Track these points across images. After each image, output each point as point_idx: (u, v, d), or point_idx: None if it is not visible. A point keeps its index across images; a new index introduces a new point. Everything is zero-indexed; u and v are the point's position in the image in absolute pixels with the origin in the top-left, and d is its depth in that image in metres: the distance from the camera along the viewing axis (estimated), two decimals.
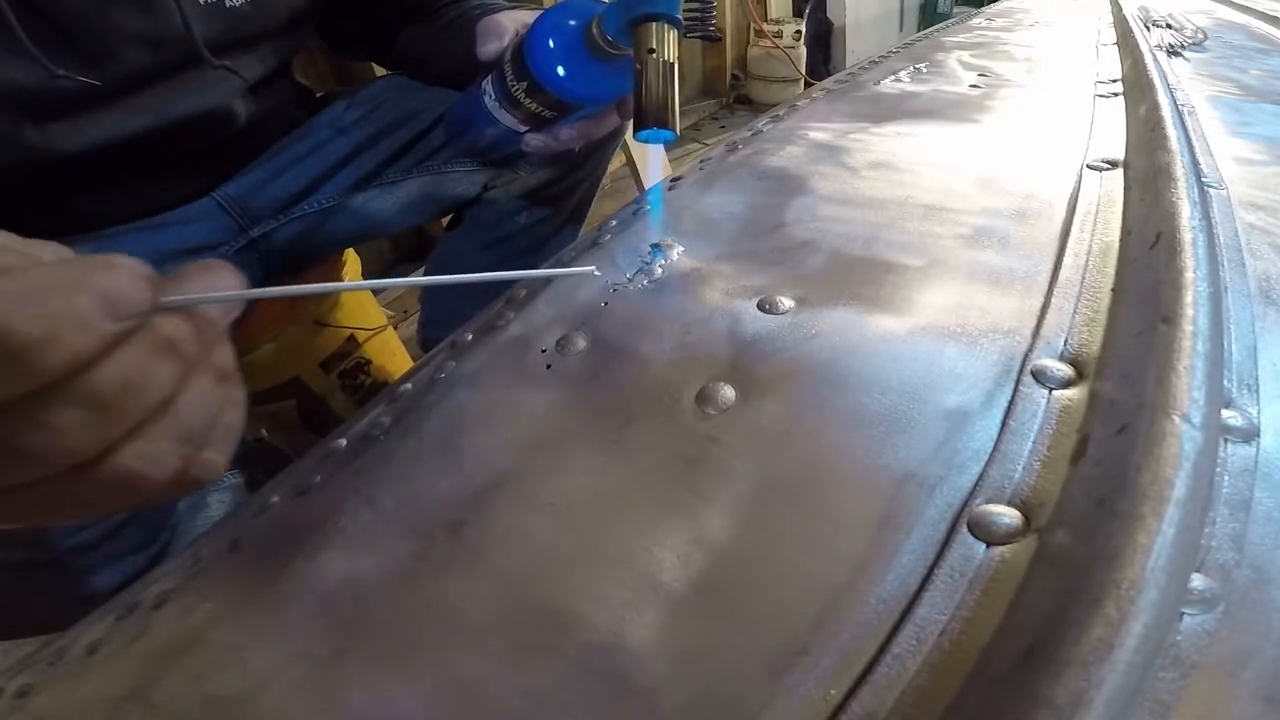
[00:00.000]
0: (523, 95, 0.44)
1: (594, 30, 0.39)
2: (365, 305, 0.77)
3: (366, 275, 0.80)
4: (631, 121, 0.37)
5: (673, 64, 0.36)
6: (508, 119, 0.46)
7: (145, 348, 0.16)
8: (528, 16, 0.45)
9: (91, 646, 0.24)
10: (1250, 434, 0.22)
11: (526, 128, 0.47)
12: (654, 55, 0.35)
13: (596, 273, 0.34)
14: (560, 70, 0.41)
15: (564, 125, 0.47)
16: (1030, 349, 0.27)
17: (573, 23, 0.40)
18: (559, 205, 0.67)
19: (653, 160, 0.43)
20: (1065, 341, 0.27)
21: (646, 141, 0.36)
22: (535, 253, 0.67)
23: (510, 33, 0.47)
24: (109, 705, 0.21)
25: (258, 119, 0.52)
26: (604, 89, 0.42)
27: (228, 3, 0.44)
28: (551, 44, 0.41)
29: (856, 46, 2.76)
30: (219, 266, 0.19)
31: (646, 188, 0.43)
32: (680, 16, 0.36)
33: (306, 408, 0.72)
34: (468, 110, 0.49)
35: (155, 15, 0.41)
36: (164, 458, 0.17)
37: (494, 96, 0.46)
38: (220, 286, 0.18)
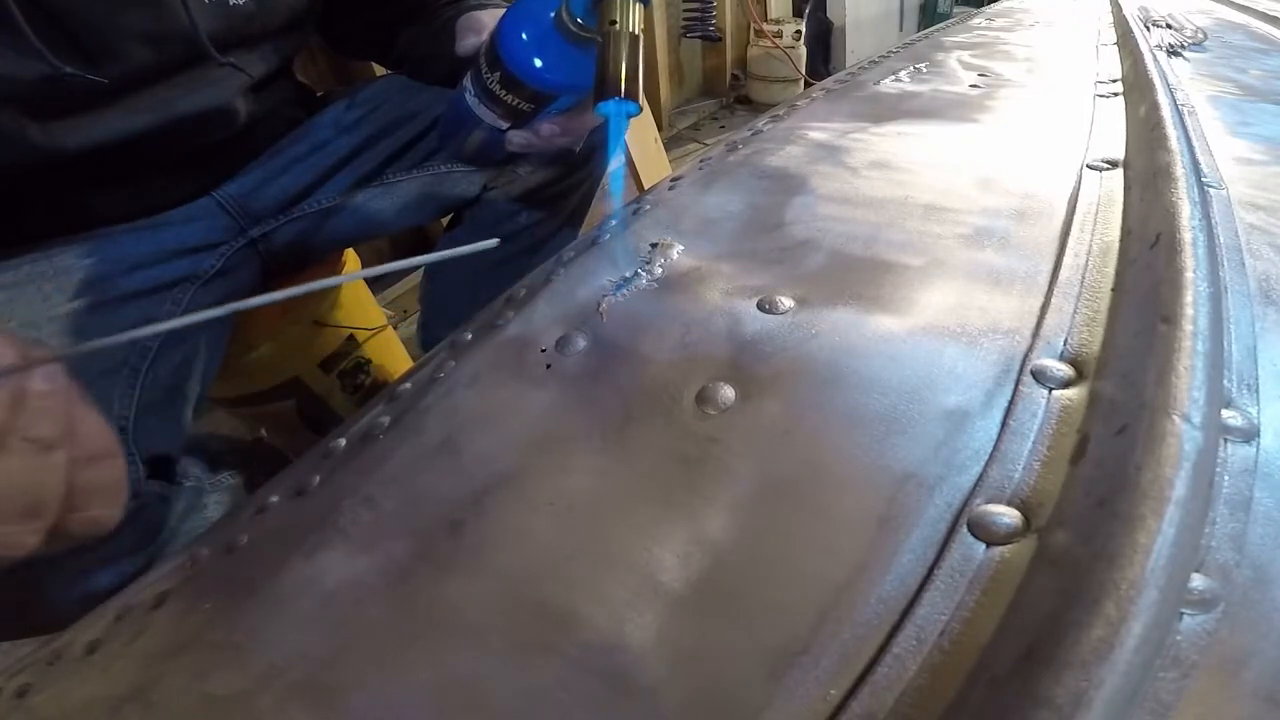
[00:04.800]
0: (498, 88, 0.43)
1: (564, 14, 0.38)
2: (365, 305, 0.77)
3: None
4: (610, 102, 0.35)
5: (637, 36, 0.35)
6: (489, 115, 0.45)
7: None
8: None
9: (91, 646, 0.24)
10: (1250, 434, 0.22)
11: (508, 124, 0.46)
12: (615, 26, 0.34)
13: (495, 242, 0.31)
14: (533, 58, 0.40)
15: (544, 120, 0.46)
16: (1030, 349, 0.27)
17: (544, 9, 0.39)
18: (558, 206, 0.67)
19: (613, 147, 0.40)
20: (1065, 341, 0.27)
21: (608, 115, 0.35)
22: (535, 253, 0.67)
23: (488, 27, 0.46)
24: (109, 705, 0.21)
25: (258, 118, 0.52)
26: (579, 76, 0.39)
27: (230, 1, 0.44)
28: (525, 30, 0.40)
29: (856, 46, 2.75)
30: None
31: (610, 212, 0.42)
32: None
33: (306, 408, 0.72)
34: (455, 112, 0.49)
35: (160, 12, 0.41)
36: (6, 538, 0.19)
37: (473, 92, 0.45)
38: None
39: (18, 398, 0.19)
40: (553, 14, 0.39)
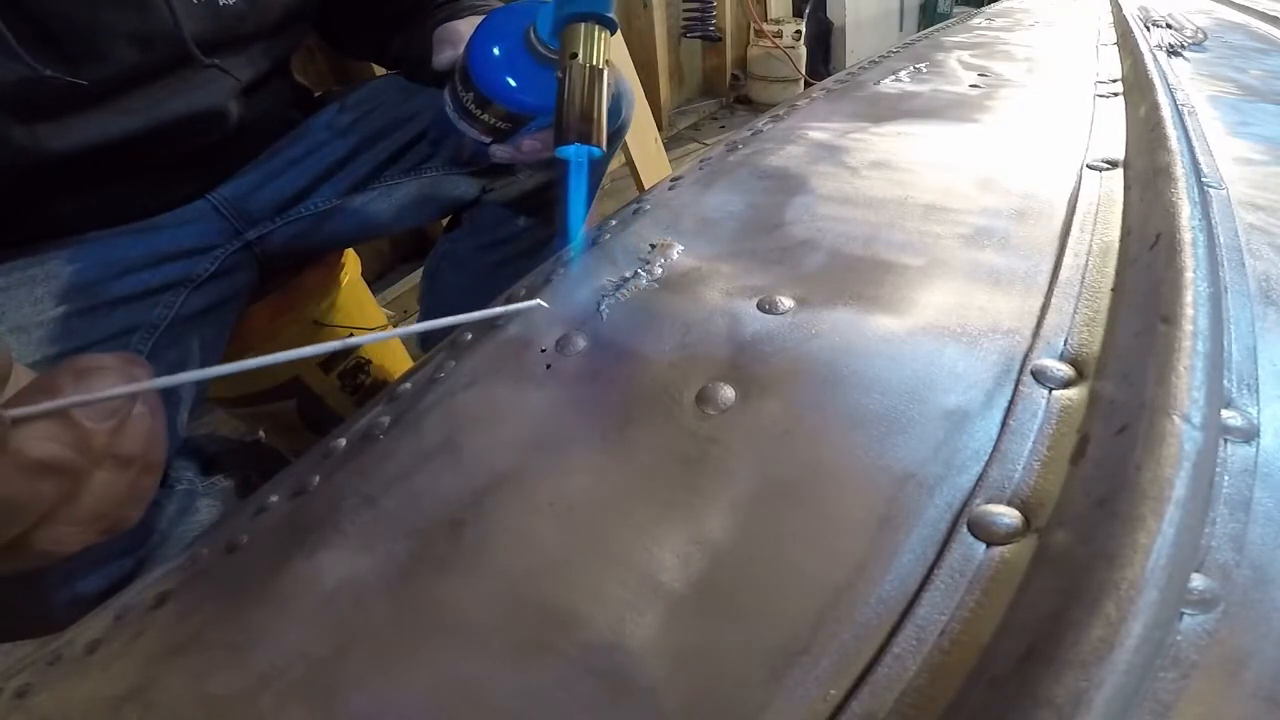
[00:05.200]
0: (473, 107, 0.42)
1: (532, 35, 0.37)
2: (365, 305, 0.77)
3: (367, 274, 0.80)
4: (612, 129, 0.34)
5: (600, 70, 0.32)
6: (469, 131, 0.44)
7: (10, 472, 0.17)
8: None
9: (91, 646, 0.24)
10: (1250, 434, 0.22)
11: (489, 139, 0.45)
12: (577, 59, 0.32)
13: (545, 305, 0.31)
14: (506, 80, 0.39)
15: (524, 136, 0.44)
16: (1030, 349, 0.27)
17: (515, 29, 0.38)
18: (557, 208, 0.67)
19: (575, 193, 0.36)
20: (1065, 341, 0.27)
21: (569, 158, 0.33)
22: (533, 255, 0.67)
23: (466, 39, 0.44)
24: (109, 705, 0.21)
25: (251, 120, 0.52)
26: (552, 97, 0.37)
27: (221, 1, 0.44)
28: (495, 52, 0.39)
29: (856, 46, 2.76)
30: (90, 366, 0.19)
31: (572, 232, 0.39)
32: (612, 15, 0.33)
33: (306, 408, 0.72)
34: (444, 120, 0.48)
35: (144, 13, 0.40)
36: (71, 538, 0.19)
37: (452, 108, 0.44)
38: (97, 383, 0.19)
39: (121, 420, 0.20)
40: (522, 34, 0.37)
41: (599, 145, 0.33)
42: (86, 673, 0.23)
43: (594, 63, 0.33)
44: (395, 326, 0.96)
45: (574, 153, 0.33)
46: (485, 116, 0.42)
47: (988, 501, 0.21)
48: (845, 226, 0.38)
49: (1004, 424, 0.24)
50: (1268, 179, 0.42)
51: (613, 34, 0.34)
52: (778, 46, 2.47)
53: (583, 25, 0.33)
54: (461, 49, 0.44)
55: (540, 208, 0.65)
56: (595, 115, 0.32)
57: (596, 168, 0.68)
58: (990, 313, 0.30)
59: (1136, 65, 0.62)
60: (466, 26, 0.48)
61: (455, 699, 0.19)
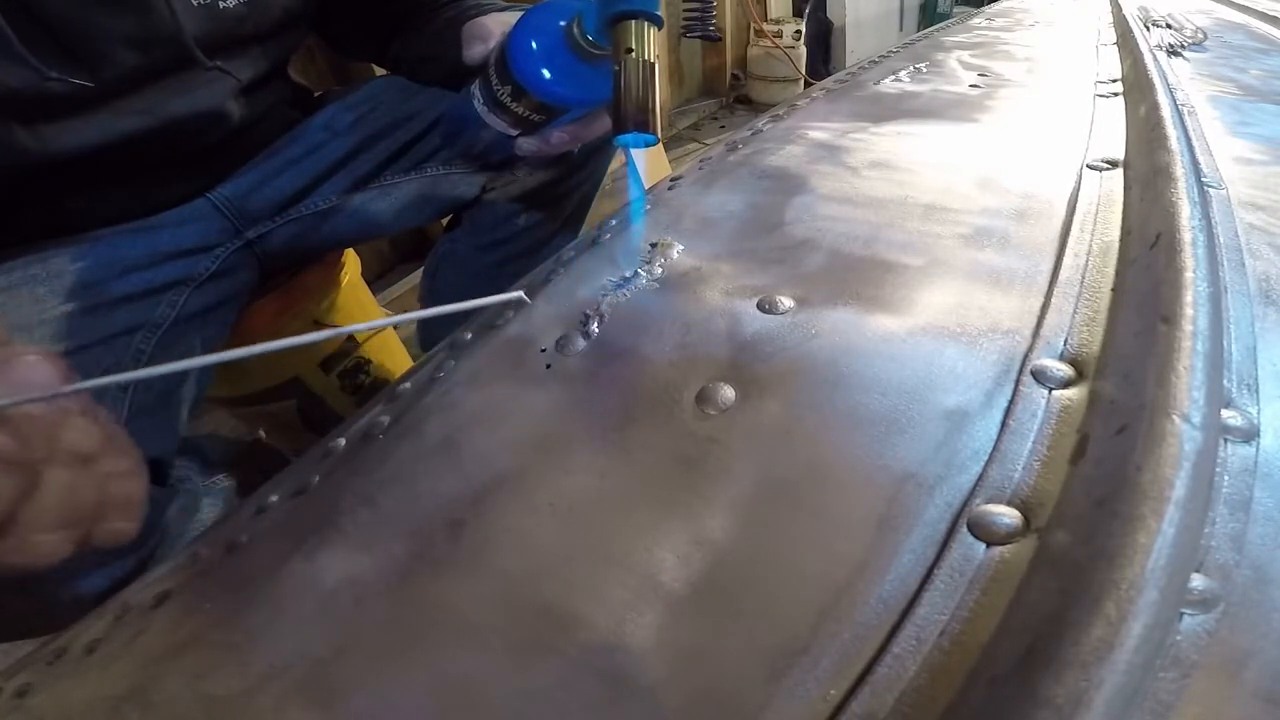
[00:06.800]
0: (508, 99, 0.43)
1: (575, 31, 0.38)
2: (365, 305, 0.77)
3: (367, 274, 0.80)
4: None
5: (653, 64, 0.34)
6: (497, 123, 0.46)
7: None
8: (514, 19, 0.45)
9: (90, 646, 0.24)
10: (1250, 434, 0.22)
11: (517, 131, 0.46)
12: (632, 54, 0.34)
13: (526, 299, 0.31)
14: (544, 73, 0.40)
15: (554, 129, 0.46)
16: (1030, 349, 0.27)
17: (554, 24, 0.40)
18: (558, 207, 0.67)
19: (633, 173, 0.40)
20: (1065, 341, 0.27)
21: (626, 146, 0.35)
22: (534, 255, 0.67)
23: (496, 36, 0.46)
24: (108, 705, 0.21)
25: (252, 120, 0.52)
26: (590, 90, 0.41)
27: (221, 3, 0.44)
28: (534, 46, 0.40)
29: (856, 46, 2.76)
30: (20, 361, 0.19)
31: (642, 191, 0.42)
32: (660, 13, 0.35)
33: (306, 408, 0.72)
34: (461, 114, 0.49)
35: (146, 16, 0.41)
36: (44, 546, 0.19)
37: (482, 101, 0.45)
38: (30, 379, 0.18)
39: (64, 413, 0.20)
40: (563, 29, 0.39)
41: (655, 133, 0.34)
42: (86, 673, 0.23)
43: (647, 57, 0.34)
44: (396, 328, 0.96)
45: (631, 140, 0.35)
46: (518, 108, 0.43)
47: (988, 501, 0.21)
48: (845, 226, 0.38)
49: (1004, 424, 0.24)
50: (1268, 179, 0.42)
51: (660, 29, 0.36)
52: (778, 46, 2.47)
53: (634, 22, 0.34)
54: (491, 44, 0.45)
55: (540, 207, 0.65)
56: (651, 105, 0.34)
57: (599, 165, 0.68)
58: (990, 313, 0.30)
59: (1136, 65, 0.62)
60: (495, 24, 0.49)
61: (455, 699, 0.19)
